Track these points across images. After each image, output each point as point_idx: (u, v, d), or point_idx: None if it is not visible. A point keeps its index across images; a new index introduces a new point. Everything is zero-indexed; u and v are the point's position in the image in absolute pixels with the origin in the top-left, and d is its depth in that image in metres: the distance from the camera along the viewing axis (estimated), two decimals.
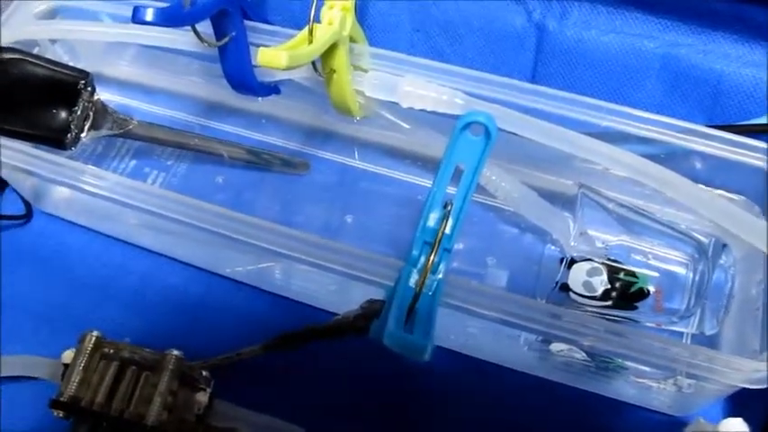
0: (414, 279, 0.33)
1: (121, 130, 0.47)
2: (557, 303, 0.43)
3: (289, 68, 0.36)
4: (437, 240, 0.33)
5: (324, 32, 0.39)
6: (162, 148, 0.52)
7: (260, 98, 0.47)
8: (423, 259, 0.34)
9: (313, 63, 0.41)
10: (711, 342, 0.42)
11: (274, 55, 0.35)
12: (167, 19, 0.38)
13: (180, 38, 0.45)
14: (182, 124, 0.54)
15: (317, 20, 0.40)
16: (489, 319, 0.35)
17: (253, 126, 0.54)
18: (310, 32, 0.39)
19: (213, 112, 0.54)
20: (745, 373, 0.33)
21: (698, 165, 0.40)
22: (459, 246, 0.47)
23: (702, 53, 0.44)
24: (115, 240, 0.51)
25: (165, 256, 0.50)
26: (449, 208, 0.34)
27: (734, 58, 0.43)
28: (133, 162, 0.53)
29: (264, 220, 0.38)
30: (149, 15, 0.37)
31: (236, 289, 0.49)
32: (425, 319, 0.32)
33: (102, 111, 0.45)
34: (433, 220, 0.35)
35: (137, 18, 0.37)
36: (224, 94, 0.48)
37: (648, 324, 0.43)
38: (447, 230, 0.34)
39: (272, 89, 0.48)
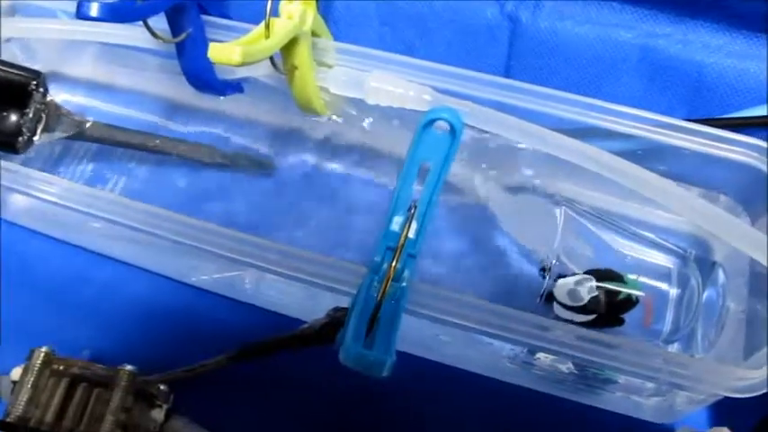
0: (375, 287, 0.31)
1: (77, 132, 0.45)
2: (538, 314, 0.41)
3: (243, 65, 0.34)
4: (399, 245, 0.31)
5: (282, 27, 0.37)
6: (122, 150, 0.50)
7: (222, 97, 0.45)
8: (385, 266, 0.32)
9: (272, 59, 0.39)
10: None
11: (227, 50, 0.33)
12: (115, 14, 0.36)
13: (138, 34, 0.43)
14: (144, 124, 0.52)
15: (276, 13, 0.38)
16: (464, 329, 0.33)
17: (217, 125, 0.51)
18: (267, 27, 0.36)
19: (177, 111, 0.52)
20: (730, 381, 0.31)
21: (678, 161, 0.39)
22: (433, 249, 0.45)
23: (682, 43, 0.42)
24: (76, 248, 0.49)
25: (129, 264, 0.48)
26: (413, 211, 0.32)
27: (715, 49, 0.42)
28: (92, 165, 0.51)
29: (216, 226, 0.35)
30: (94, 10, 0.35)
31: (202, 297, 0.47)
32: (387, 332, 0.30)
33: (55, 112, 0.43)
34: (397, 223, 0.33)
35: (81, 13, 0.35)
36: (188, 92, 0.45)
37: None
38: (411, 234, 0.32)
39: (234, 87, 0.46)
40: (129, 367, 0.37)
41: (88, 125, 0.46)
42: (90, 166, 0.51)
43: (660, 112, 0.37)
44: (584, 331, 0.32)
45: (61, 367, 0.37)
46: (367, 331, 0.30)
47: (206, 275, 0.46)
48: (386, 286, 0.31)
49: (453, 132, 0.31)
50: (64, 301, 0.47)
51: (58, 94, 0.53)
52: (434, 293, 0.33)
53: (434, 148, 0.32)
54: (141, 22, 0.39)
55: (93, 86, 0.54)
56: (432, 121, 0.32)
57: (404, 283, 0.32)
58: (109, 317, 0.47)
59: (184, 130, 0.51)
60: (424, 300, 0.32)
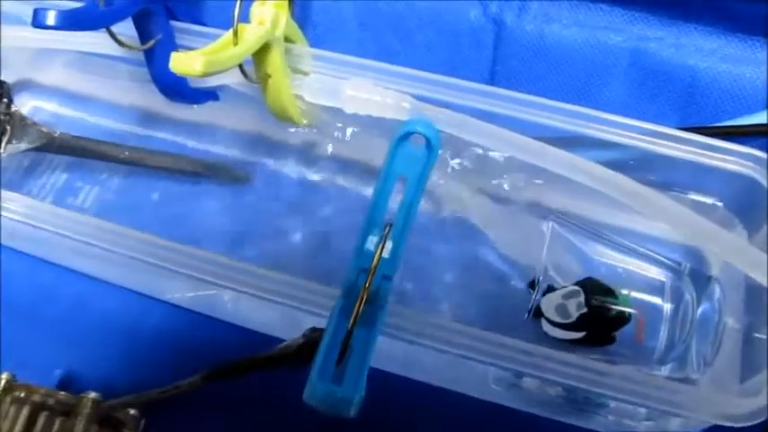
0: (348, 313, 0.29)
1: (44, 144, 0.44)
2: (526, 335, 0.39)
3: (206, 75, 0.32)
4: (373, 266, 0.29)
5: (253, 33, 0.36)
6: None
7: (195, 105, 0.43)
8: (359, 289, 0.30)
9: (241, 67, 0.37)
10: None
11: (188, 60, 0.31)
12: (74, 22, 0.34)
13: (107, 42, 0.41)
14: (118, 133, 0.50)
15: (247, 19, 0.36)
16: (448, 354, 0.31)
17: (192, 134, 0.49)
18: (235, 33, 0.35)
19: (151, 120, 0.50)
20: (727, 410, 0.29)
21: (670, 171, 0.37)
22: (413, 264, 0.43)
23: (674, 47, 0.40)
24: (44, 262, 0.47)
25: (100, 279, 0.46)
26: (387, 230, 0.30)
27: (708, 52, 0.40)
28: (64, 176, 0.49)
29: (184, 246, 0.34)
30: (51, 19, 0.33)
31: (178, 314, 0.45)
32: (359, 363, 0.28)
33: (20, 123, 0.42)
34: (371, 243, 0.31)
35: (36, 22, 0.33)
36: (162, 101, 0.43)
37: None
38: (386, 254, 0.30)
39: (208, 95, 0.44)
40: (92, 395, 0.35)
41: (56, 136, 0.44)
42: (62, 177, 0.49)
43: (651, 119, 0.36)
44: (571, 357, 0.30)
45: (23, 394, 0.35)
46: (338, 359, 0.29)
47: (180, 293, 0.44)
48: (358, 311, 0.29)
49: (430, 146, 0.30)
50: (32, 317, 0.46)
51: (28, 103, 0.51)
52: (412, 318, 0.31)
53: (410, 162, 0.30)
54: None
55: (65, 95, 0.52)
56: (407, 134, 0.30)
57: (378, 309, 0.30)
58: (80, 334, 0.45)
59: (158, 138, 0.49)
60: (401, 323, 0.31)
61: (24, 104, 0.51)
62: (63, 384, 0.43)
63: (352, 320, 0.29)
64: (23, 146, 0.42)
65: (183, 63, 0.31)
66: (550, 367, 0.30)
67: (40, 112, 0.51)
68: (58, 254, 0.46)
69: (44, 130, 0.43)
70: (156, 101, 0.47)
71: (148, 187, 0.48)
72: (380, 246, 0.30)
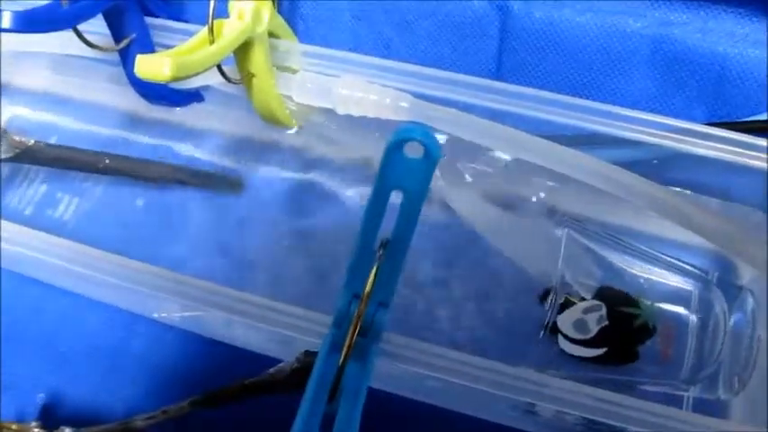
0: (339, 346, 0.26)
1: (17, 154, 0.41)
2: (541, 353, 0.36)
3: (178, 79, 0.28)
4: (365, 294, 0.26)
5: (231, 30, 0.32)
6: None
7: (178, 108, 0.40)
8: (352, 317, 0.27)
9: (220, 68, 0.33)
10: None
11: (155, 63, 0.28)
12: (35, 24, 0.31)
13: (80, 43, 0.38)
14: (102, 138, 0.47)
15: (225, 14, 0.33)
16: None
17: (179, 138, 0.46)
18: (211, 30, 0.31)
19: (135, 123, 0.47)
20: None
21: (697, 170, 0.33)
22: (415, 278, 0.40)
23: (701, 32, 0.37)
24: (29, 279, 0.44)
25: (86, 296, 0.43)
26: (380, 252, 0.27)
27: (740, 38, 0.36)
28: (44, 187, 0.46)
29: (163, 270, 0.31)
30: (6, 21, 0.30)
31: (167, 331, 0.42)
32: (350, 406, 0.24)
33: None
34: (364, 264, 0.27)
35: None
36: (145, 103, 0.41)
37: (649, 388, 0.36)
38: (381, 278, 0.27)
39: (191, 96, 0.41)
40: (67, 430, 0.32)
41: (30, 145, 0.41)
42: (41, 188, 0.46)
43: (676, 114, 0.33)
44: (588, 389, 0.27)
45: None
46: (330, 398, 0.26)
47: (168, 313, 0.41)
48: (350, 345, 0.26)
49: (428, 156, 0.26)
50: (16, 336, 0.43)
51: (7, 108, 0.49)
52: (413, 348, 0.28)
53: (406, 174, 0.27)
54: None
55: (44, 99, 0.49)
56: (401, 142, 0.26)
57: (372, 341, 0.26)
58: (64, 352, 0.43)
59: (143, 143, 0.46)
60: (400, 352, 0.28)
61: (2, 110, 0.48)
62: (46, 408, 0.41)
63: (342, 356, 0.25)
64: None
65: (149, 67, 0.28)
66: (565, 398, 0.28)
67: (18, 118, 0.48)
68: (42, 272, 0.44)
69: (18, 139, 0.40)
70: (139, 104, 0.44)
71: (133, 195, 0.45)
72: (374, 269, 0.27)
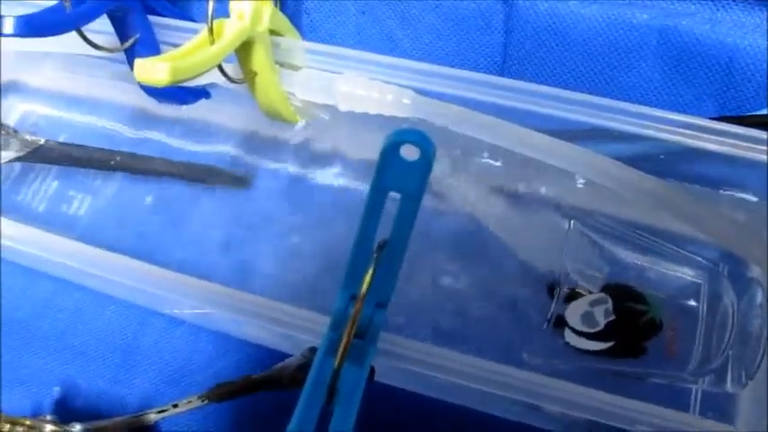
0: (335, 348, 0.26)
1: (28, 153, 0.41)
2: (547, 346, 0.36)
3: (177, 82, 0.29)
4: (362, 294, 0.26)
5: (232, 30, 0.32)
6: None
7: (184, 106, 0.41)
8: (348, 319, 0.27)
9: (221, 68, 0.33)
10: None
11: (152, 67, 0.28)
12: (37, 28, 0.31)
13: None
14: (111, 136, 0.47)
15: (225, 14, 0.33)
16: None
17: (187, 134, 0.46)
18: (211, 31, 0.31)
19: (145, 120, 0.47)
20: None
21: (704, 166, 0.33)
22: (416, 271, 0.40)
23: (709, 23, 0.36)
24: (43, 274, 0.45)
25: (99, 291, 0.44)
26: (379, 251, 0.27)
27: (749, 28, 0.35)
28: (55, 184, 0.46)
29: (170, 272, 0.31)
30: (8, 27, 0.30)
31: (178, 326, 0.43)
32: (345, 408, 0.25)
33: (4, 133, 0.39)
34: (361, 265, 0.27)
35: None
36: (154, 101, 0.41)
37: (657, 380, 0.35)
38: (379, 278, 0.27)
39: (198, 94, 0.41)
40: (77, 427, 0.33)
41: (42, 144, 0.41)
42: (53, 185, 0.46)
43: (684, 107, 0.33)
44: (593, 392, 0.27)
45: (6, 427, 0.33)
46: (327, 402, 0.26)
47: (179, 309, 0.42)
48: (345, 347, 0.26)
49: (425, 158, 0.26)
50: (31, 330, 0.44)
51: (17, 107, 0.49)
52: (411, 348, 0.28)
53: (403, 176, 0.27)
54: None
55: (55, 97, 0.50)
56: (397, 144, 0.26)
57: (369, 343, 0.27)
58: (79, 347, 0.43)
59: (152, 140, 0.47)
60: (397, 352, 0.28)
61: (13, 108, 0.49)
62: (60, 402, 0.42)
63: (338, 358, 0.26)
64: (6, 156, 0.40)
65: (147, 72, 0.28)
66: (568, 400, 0.28)
67: (30, 116, 0.49)
68: (54, 267, 0.45)
69: (29, 138, 0.41)
70: (147, 101, 0.45)
71: (143, 192, 0.45)
72: (371, 269, 0.27)
